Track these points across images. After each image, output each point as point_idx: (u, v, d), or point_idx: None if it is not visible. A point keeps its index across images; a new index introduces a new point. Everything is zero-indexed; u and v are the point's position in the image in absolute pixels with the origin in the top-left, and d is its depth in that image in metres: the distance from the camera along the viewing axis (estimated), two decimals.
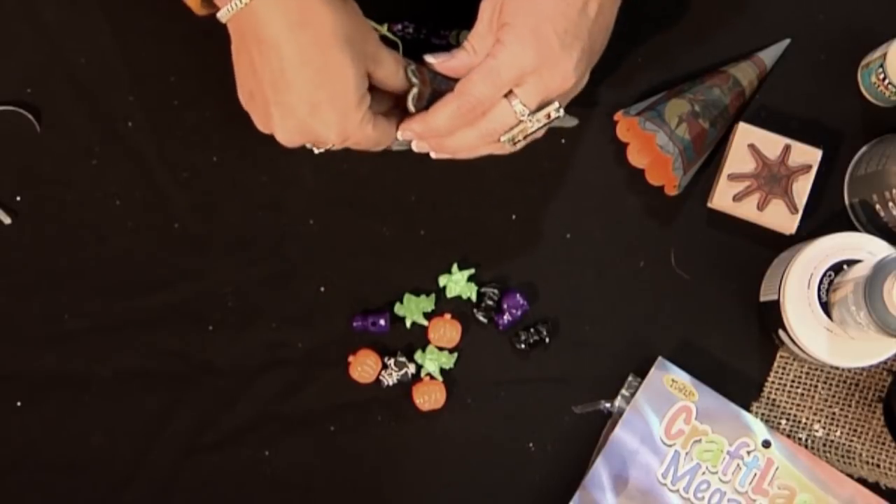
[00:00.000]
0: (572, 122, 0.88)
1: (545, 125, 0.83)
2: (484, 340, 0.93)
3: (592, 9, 0.80)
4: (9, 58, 0.93)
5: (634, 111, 0.90)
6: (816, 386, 0.93)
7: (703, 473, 0.91)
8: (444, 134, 0.83)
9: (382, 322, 0.92)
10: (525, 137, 0.84)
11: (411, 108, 0.82)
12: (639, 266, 0.93)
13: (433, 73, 0.83)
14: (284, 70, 0.76)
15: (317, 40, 0.76)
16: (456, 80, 0.81)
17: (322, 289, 0.93)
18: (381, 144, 0.83)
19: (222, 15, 0.76)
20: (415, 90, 0.81)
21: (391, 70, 0.80)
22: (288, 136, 0.80)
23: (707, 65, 0.94)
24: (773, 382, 0.93)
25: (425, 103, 0.82)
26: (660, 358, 0.92)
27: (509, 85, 0.80)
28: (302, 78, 0.76)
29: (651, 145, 0.89)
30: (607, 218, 0.94)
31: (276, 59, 0.76)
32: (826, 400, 0.93)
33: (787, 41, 0.94)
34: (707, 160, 0.93)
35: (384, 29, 0.84)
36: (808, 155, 0.91)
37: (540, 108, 0.82)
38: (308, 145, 0.81)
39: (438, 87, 0.82)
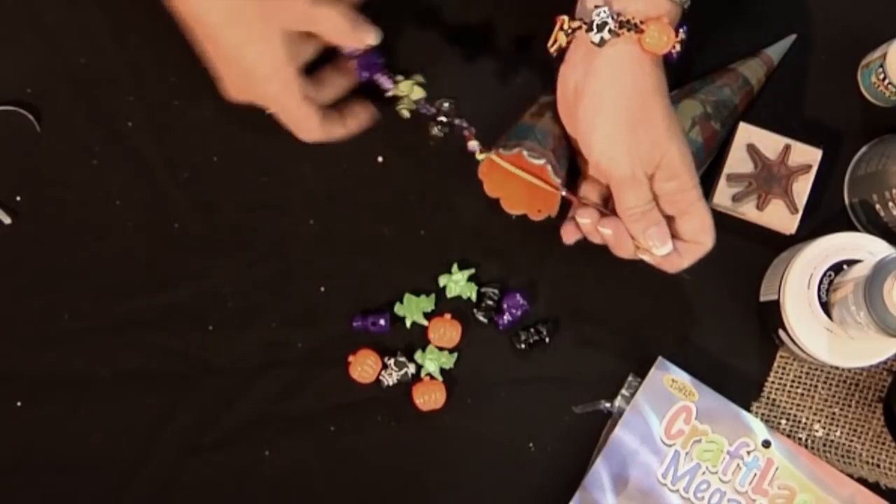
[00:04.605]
0: None
1: None
2: (484, 340, 0.93)
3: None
4: (9, 58, 0.93)
5: None
6: (816, 386, 0.93)
7: (703, 473, 0.91)
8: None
9: (382, 322, 0.92)
10: None
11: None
12: (638, 266, 0.93)
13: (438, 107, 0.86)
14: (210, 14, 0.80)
15: None
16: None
17: (322, 289, 0.93)
18: (310, 117, 0.83)
19: None
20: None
21: (333, 24, 0.80)
22: (227, 84, 0.82)
23: (713, 62, 0.93)
24: (773, 382, 0.93)
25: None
26: (660, 358, 0.92)
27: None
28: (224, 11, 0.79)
29: None
30: None
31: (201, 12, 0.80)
32: (826, 400, 0.93)
33: (793, 36, 0.94)
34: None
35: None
36: (808, 155, 0.91)
37: None
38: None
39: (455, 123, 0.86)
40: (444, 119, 0.85)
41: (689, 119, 0.88)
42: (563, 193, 0.85)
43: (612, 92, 0.79)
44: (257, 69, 0.81)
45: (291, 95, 0.82)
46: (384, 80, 0.85)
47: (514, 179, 0.86)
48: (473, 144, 0.85)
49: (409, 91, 0.86)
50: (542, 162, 0.83)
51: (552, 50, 0.82)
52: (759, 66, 0.92)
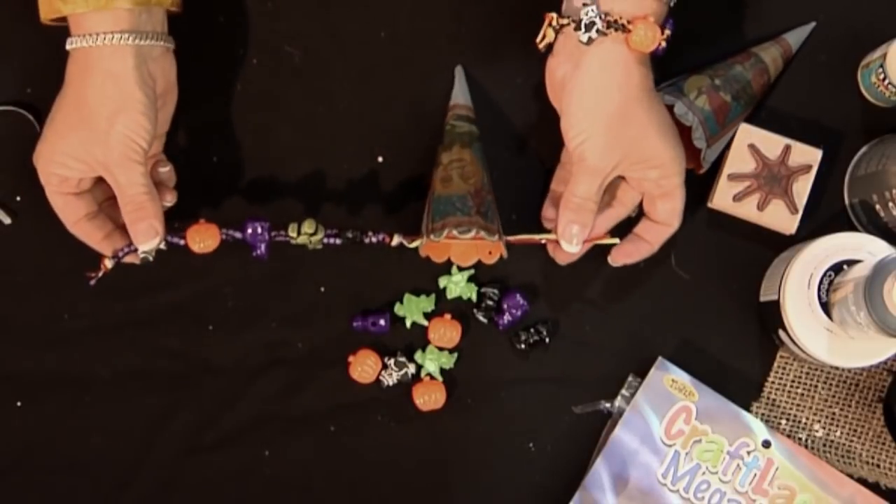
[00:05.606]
0: None
1: None
2: (484, 340, 0.93)
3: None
4: (9, 58, 0.93)
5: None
6: (816, 386, 0.93)
7: (703, 473, 0.91)
8: None
9: (382, 322, 0.92)
10: None
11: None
12: (639, 266, 0.93)
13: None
14: None
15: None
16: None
17: (322, 289, 0.93)
18: (65, 219, 0.87)
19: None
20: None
21: (124, 181, 0.83)
22: None
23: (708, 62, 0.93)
24: (773, 382, 0.93)
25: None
26: (660, 358, 0.92)
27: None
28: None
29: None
30: None
31: None
32: (826, 400, 0.93)
33: (812, 24, 0.94)
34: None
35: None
36: (808, 155, 0.91)
37: None
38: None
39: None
40: (357, 240, 0.87)
41: (695, 90, 0.89)
42: (506, 241, 0.88)
43: (595, 89, 0.81)
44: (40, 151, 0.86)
45: (47, 186, 0.86)
46: (285, 237, 0.87)
47: (454, 242, 0.89)
48: (397, 242, 0.87)
49: (309, 238, 0.87)
50: (472, 234, 0.85)
51: (541, 46, 0.84)
52: (773, 47, 0.92)
